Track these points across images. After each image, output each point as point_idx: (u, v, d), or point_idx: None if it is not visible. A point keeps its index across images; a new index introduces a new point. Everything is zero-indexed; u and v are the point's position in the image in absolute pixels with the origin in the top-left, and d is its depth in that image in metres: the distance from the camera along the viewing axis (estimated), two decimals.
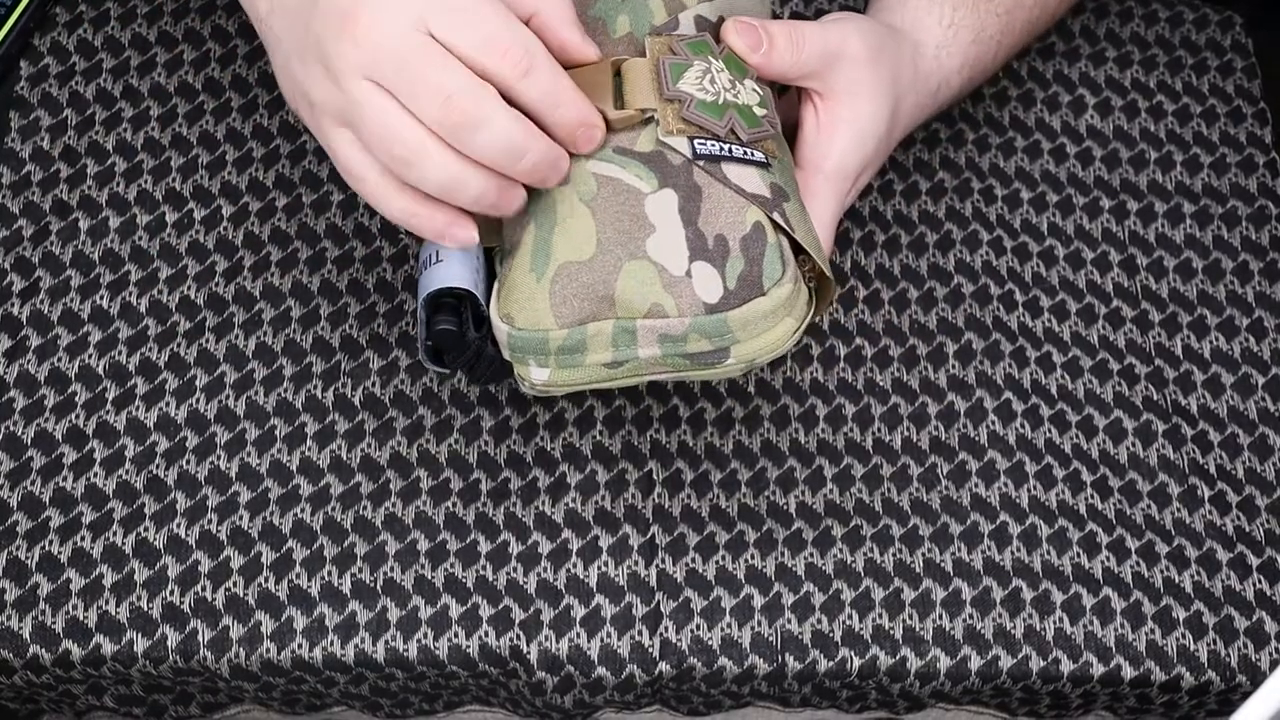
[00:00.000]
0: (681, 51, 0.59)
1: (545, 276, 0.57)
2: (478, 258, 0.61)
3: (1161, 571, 0.66)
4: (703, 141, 0.58)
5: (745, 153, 0.58)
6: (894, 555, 0.65)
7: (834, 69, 0.62)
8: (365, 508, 0.65)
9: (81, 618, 0.63)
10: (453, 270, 0.60)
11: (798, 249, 0.59)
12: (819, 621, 0.64)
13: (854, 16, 0.65)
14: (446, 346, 0.61)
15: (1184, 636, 0.65)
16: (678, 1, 0.61)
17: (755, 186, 0.58)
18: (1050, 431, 0.68)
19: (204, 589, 0.63)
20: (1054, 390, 0.69)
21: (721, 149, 0.58)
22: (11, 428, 0.66)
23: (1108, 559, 0.66)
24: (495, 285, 0.59)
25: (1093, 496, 0.67)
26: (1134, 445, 0.68)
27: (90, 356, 0.68)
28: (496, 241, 0.61)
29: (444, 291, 0.60)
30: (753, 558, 0.65)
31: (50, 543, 0.64)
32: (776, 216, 0.57)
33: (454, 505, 0.65)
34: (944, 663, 0.64)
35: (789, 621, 0.64)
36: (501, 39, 0.55)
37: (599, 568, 0.65)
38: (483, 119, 0.54)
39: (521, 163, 0.56)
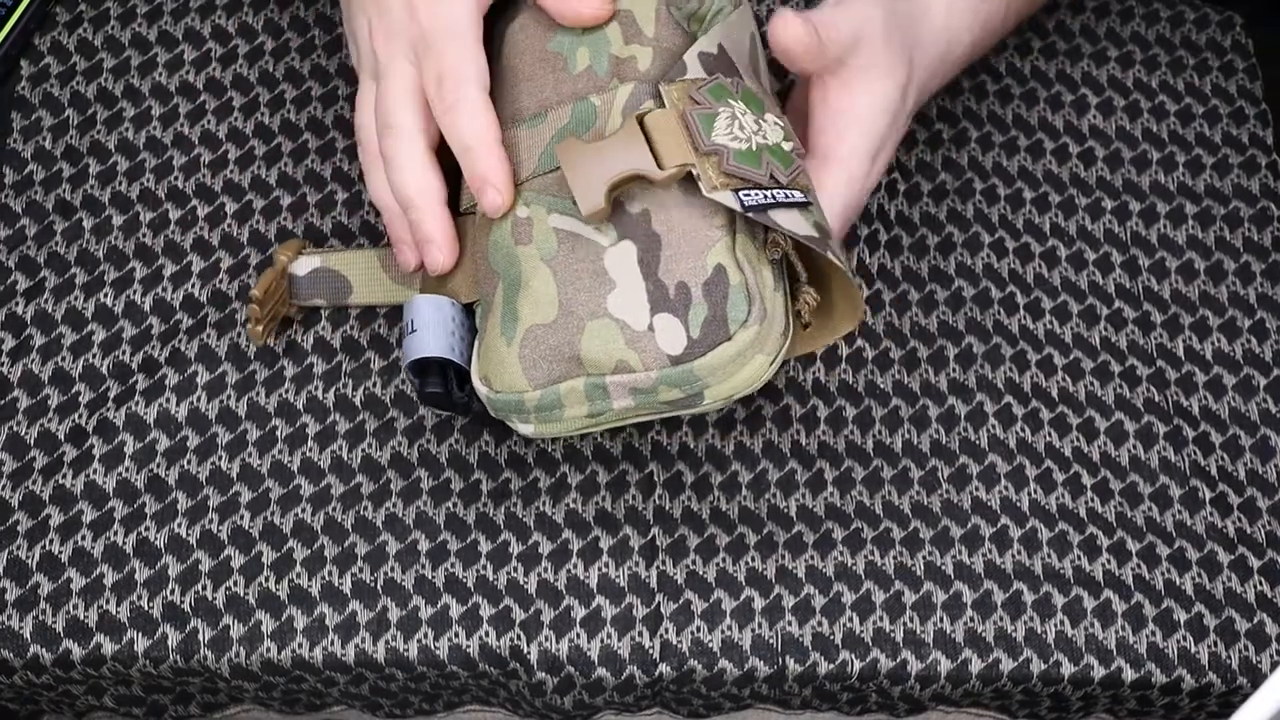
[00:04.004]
0: (704, 100, 0.58)
1: (515, 340, 0.57)
2: (454, 319, 0.60)
3: (1163, 574, 0.66)
4: (748, 193, 0.56)
5: (787, 195, 0.57)
6: (895, 558, 0.65)
7: (853, 52, 0.61)
8: (366, 508, 0.65)
9: (82, 617, 0.63)
10: (425, 339, 0.60)
11: (809, 270, 0.59)
12: (819, 624, 0.64)
13: None
14: (437, 404, 0.62)
15: (1185, 639, 0.65)
16: (635, 28, 0.60)
17: (804, 229, 0.57)
18: (1051, 435, 0.68)
19: (204, 588, 0.63)
20: (1055, 393, 0.69)
21: (767, 197, 0.57)
22: (15, 428, 0.66)
23: (1109, 561, 0.66)
24: (476, 343, 0.60)
25: (1093, 499, 0.67)
26: (1135, 447, 0.68)
27: (94, 356, 0.68)
28: (477, 296, 0.61)
29: (424, 360, 0.61)
30: (753, 560, 0.65)
31: (51, 542, 0.64)
32: (830, 255, 0.57)
33: (454, 505, 0.65)
34: (945, 665, 0.64)
35: (789, 624, 0.64)
36: None
37: (599, 569, 0.65)
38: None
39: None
